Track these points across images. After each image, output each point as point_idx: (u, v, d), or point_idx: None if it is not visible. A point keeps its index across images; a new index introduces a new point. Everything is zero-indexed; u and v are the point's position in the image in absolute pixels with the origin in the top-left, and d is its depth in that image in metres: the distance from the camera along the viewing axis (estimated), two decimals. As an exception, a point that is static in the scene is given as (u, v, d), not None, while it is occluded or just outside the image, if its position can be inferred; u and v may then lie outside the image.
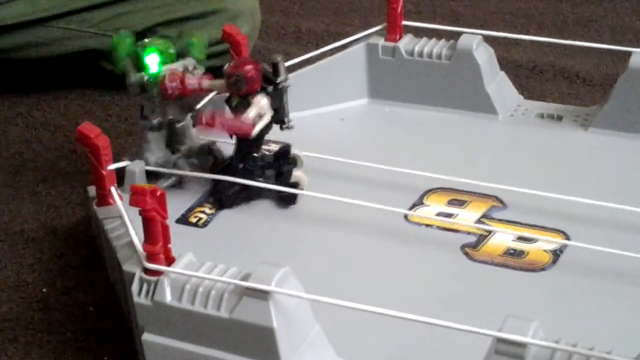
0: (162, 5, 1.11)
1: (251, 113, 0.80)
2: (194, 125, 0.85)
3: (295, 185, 0.85)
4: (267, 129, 0.82)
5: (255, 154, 0.83)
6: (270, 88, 0.81)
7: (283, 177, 0.85)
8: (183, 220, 0.83)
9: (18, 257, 0.86)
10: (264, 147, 0.85)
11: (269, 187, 0.83)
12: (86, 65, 1.14)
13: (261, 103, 0.80)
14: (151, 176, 0.85)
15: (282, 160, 0.85)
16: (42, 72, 1.16)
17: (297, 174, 0.85)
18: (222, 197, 0.84)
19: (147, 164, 0.84)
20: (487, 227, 0.80)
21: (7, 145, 1.05)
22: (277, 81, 0.81)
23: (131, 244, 0.69)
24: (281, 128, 0.84)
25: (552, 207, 0.81)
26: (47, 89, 1.16)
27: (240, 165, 0.83)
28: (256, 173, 0.83)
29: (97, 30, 1.11)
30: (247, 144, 0.82)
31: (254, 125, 0.80)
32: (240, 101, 0.81)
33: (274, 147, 0.88)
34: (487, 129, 0.97)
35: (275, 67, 0.81)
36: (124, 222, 0.73)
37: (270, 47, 1.27)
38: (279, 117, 0.83)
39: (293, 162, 0.86)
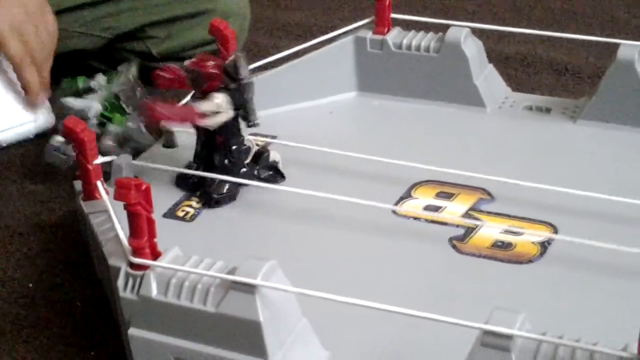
0: (152, 6, 1.11)
1: (202, 106, 0.80)
2: (143, 122, 0.87)
3: (273, 164, 0.86)
4: (236, 124, 0.83)
5: (238, 146, 0.84)
6: (232, 85, 0.81)
7: (262, 159, 0.86)
8: (170, 214, 0.83)
9: (4, 252, 0.86)
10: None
11: (257, 184, 0.84)
12: (75, 64, 1.14)
13: (215, 100, 0.80)
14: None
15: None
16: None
17: (273, 154, 0.87)
18: (219, 198, 0.84)
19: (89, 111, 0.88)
20: (474, 221, 0.80)
21: (-6, 140, 1.05)
22: (238, 79, 0.81)
23: (117, 238, 0.69)
24: (247, 125, 0.84)
25: (540, 199, 0.81)
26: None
27: (226, 161, 0.83)
28: (239, 165, 0.84)
29: (86, 30, 1.10)
30: (228, 139, 0.83)
31: (203, 116, 0.80)
32: (202, 98, 0.82)
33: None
34: (476, 121, 0.97)
35: (235, 65, 0.81)
36: (110, 216, 0.73)
37: (259, 40, 1.27)
38: (243, 114, 0.83)
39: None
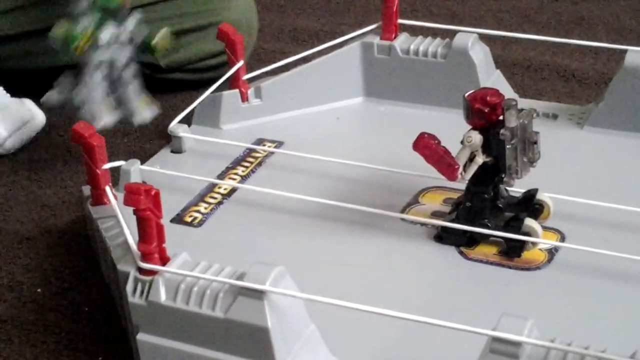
0: (160, 19, 1.11)
1: (462, 158, 0.76)
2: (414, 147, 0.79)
3: (525, 235, 0.77)
4: (496, 171, 0.77)
5: (485, 195, 0.77)
6: (495, 130, 0.75)
7: (513, 224, 0.77)
8: (178, 219, 0.83)
9: (12, 257, 0.86)
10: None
11: (491, 233, 0.77)
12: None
13: (473, 141, 0.76)
14: None
15: (523, 206, 0.79)
16: (40, 80, 1.15)
17: (529, 223, 0.77)
18: (456, 236, 0.78)
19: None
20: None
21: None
22: (502, 126, 0.74)
23: (126, 243, 0.69)
24: (501, 181, 0.78)
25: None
26: (41, 91, 1.15)
27: (468, 204, 0.78)
28: (484, 215, 0.77)
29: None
30: (473, 182, 0.77)
31: (460, 169, 0.76)
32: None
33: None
34: (483, 127, 0.97)
35: (505, 111, 0.74)
36: (119, 221, 0.73)
37: (265, 45, 1.27)
38: (500, 167, 0.76)
39: (535, 209, 0.79)
